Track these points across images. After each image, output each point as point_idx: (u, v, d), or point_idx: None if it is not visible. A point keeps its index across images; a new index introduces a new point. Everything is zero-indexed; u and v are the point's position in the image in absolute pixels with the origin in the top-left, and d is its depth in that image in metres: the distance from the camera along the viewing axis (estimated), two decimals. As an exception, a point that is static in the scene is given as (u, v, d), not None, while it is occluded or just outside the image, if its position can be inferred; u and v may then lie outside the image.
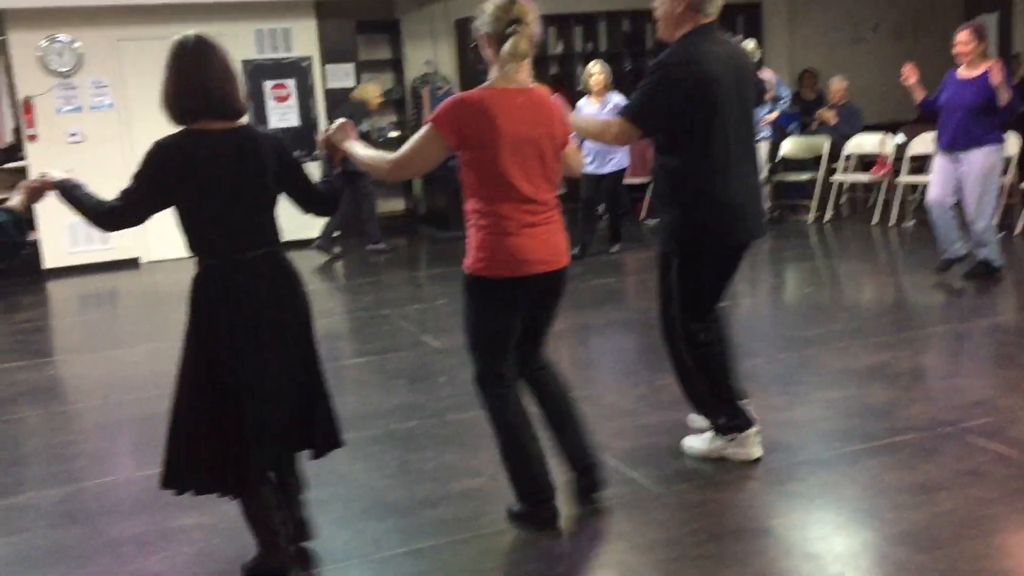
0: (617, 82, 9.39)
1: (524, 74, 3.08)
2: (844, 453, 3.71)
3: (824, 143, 9.54)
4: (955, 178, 6.38)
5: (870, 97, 11.19)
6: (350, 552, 3.15)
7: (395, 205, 11.36)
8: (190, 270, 2.88)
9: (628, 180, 9.74)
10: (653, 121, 3.48)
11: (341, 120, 3.25)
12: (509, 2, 3.01)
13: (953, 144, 6.31)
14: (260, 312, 2.84)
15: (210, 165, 2.79)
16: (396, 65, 11.10)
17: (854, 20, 12.82)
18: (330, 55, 10.18)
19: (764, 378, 4.60)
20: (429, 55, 11.21)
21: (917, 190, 9.21)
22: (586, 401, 3.36)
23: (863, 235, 8.77)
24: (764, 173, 8.77)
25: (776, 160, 9.71)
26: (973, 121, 6.18)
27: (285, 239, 2.99)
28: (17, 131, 9.28)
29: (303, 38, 9.99)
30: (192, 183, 2.78)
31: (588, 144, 7.29)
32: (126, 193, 2.82)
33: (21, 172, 9.26)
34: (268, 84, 9.86)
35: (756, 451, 3.66)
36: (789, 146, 9.73)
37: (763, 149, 8.85)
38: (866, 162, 9.91)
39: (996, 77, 6.00)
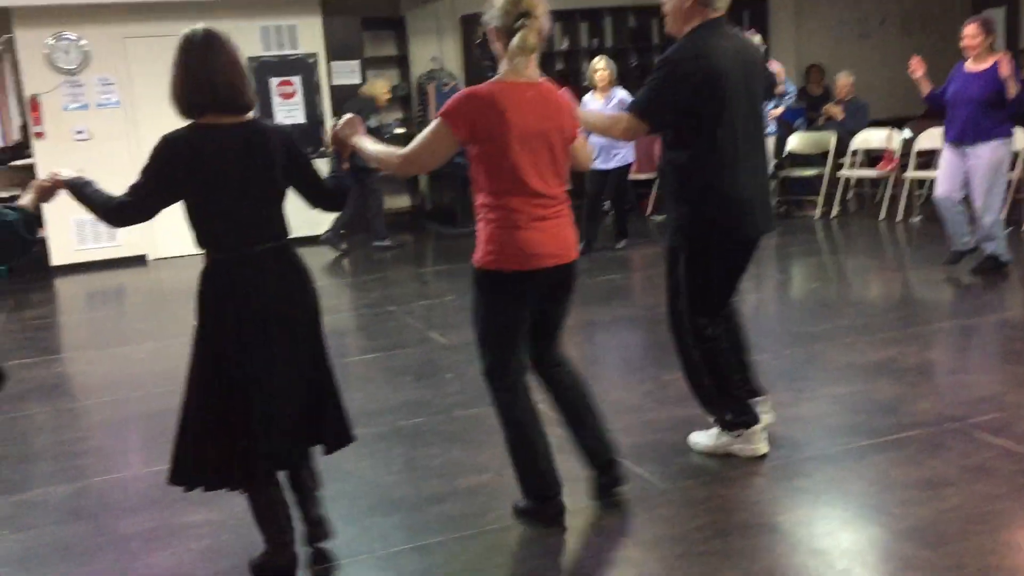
0: (623, 78, 9.38)
1: (533, 68, 3.08)
2: (851, 449, 3.71)
3: (831, 138, 9.52)
4: (963, 172, 6.37)
5: (877, 92, 11.17)
6: (357, 548, 3.15)
7: (401, 201, 11.37)
8: (197, 267, 2.89)
9: (634, 176, 9.74)
10: (661, 116, 3.48)
11: (348, 115, 3.24)
12: None
13: (961, 138, 6.30)
14: (268, 306, 2.83)
15: (218, 159, 2.78)
16: (402, 62, 11.10)
17: (861, 14, 12.78)
18: (336, 52, 10.18)
19: (770, 374, 4.59)
20: (435, 52, 11.21)
21: (924, 185, 9.20)
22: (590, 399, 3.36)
23: (870, 231, 8.75)
24: (770, 169, 8.75)
25: (783, 156, 9.69)
26: (981, 115, 6.17)
27: (294, 235, 2.99)
28: (24, 129, 9.30)
29: (309, 35, 10.00)
30: (200, 177, 2.78)
31: (593, 139, 7.28)
32: (134, 188, 2.82)
33: (28, 170, 9.29)
34: (274, 81, 9.87)
35: (762, 447, 3.66)
36: (795, 142, 9.72)
37: (769, 145, 8.84)
38: (873, 157, 9.88)
39: (1005, 69, 5.99)
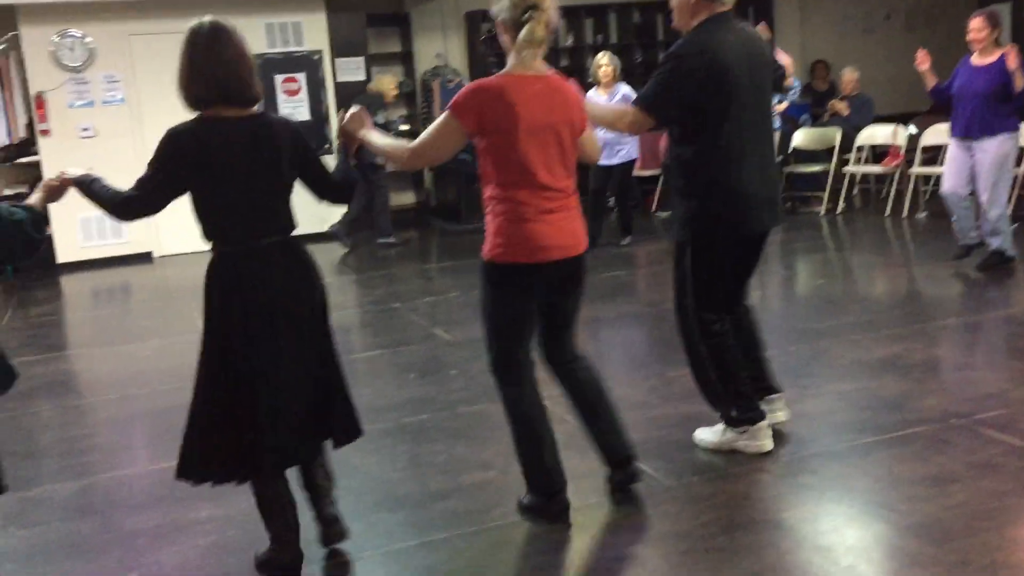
0: (628, 74, 9.37)
1: (541, 61, 3.08)
2: (856, 445, 3.71)
3: (836, 134, 9.50)
4: (969, 168, 6.36)
5: (882, 88, 11.15)
6: (362, 544, 3.16)
7: (406, 198, 11.37)
8: (203, 264, 2.89)
9: (639, 172, 9.74)
10: (667, 111, 3.47)
11: (355, 108, 3.23)
12: None
13: (968, 132, 6.29)
14: (275, 300, 2.82)
15: (224, 152, 2.78)
16: (406, 58, 11.10)
17: (866, 10, 12.75)
18: (340, 49, 10.19)
19: (776, 370, 4.55)
20: (439, 48, 11.21)
21: (930, 181, 9.18)
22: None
23: (875, 226, 8.73)
24: (776, 165, 8.71)
25: (788, 152, 9.68)
26: (987, 108, 6.17)
27: (302, 232, 2.98)
28: (30, 126, 9.32)
29: (313, 32, 10.00)
30: (206, 170, 2.78)
31: (597, 134, 7.28)
32: (141, 182, 2.82)
33: (34, 167, 9.31)
34: (279, 78, 9.88)
35: (767, 443, 3.65)
36: (801, 137, 9.70)
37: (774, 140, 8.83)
38: (878, 153, 9.87)
39: (1013, 62, 5.98)
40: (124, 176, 3.17)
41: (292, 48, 9.95)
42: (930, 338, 5.14)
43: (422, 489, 3.58)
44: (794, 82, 9.47)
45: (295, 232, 2.97)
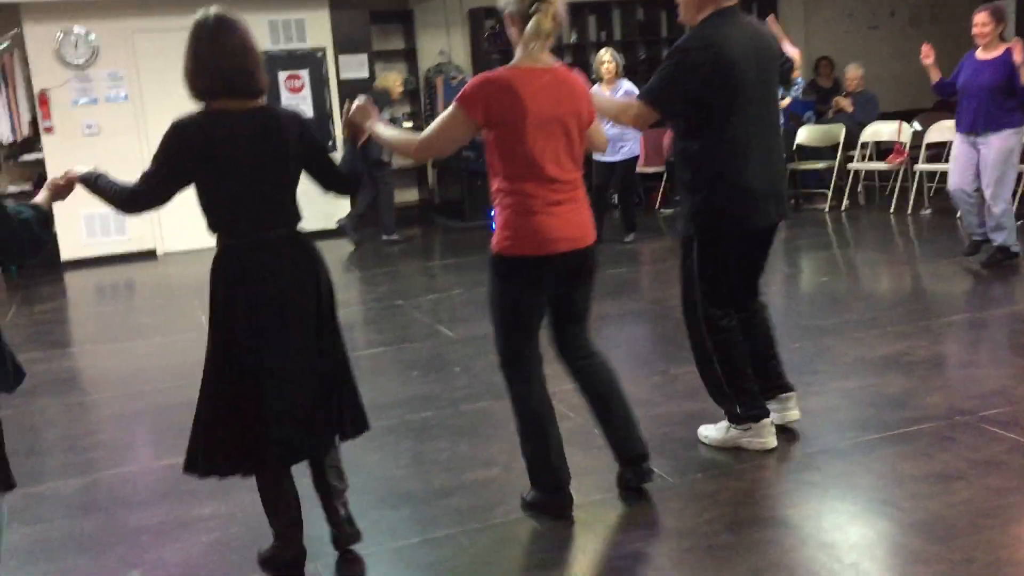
0: (632, 71, 9.37)
1: (548, 54, 3.07)
2: (860, 442, 3.70)
3: (840, 131, 9.49)
4: (975, 164, 6.36)
5: (886, 84, 11.13)
6: (366, 541, 3.15)
7: (410, 195, 11.37)
8: (207, 261, 2.89)
9: (643, 169, 9.73)
10: (671, 104, 3.46)
11: (361, 99, 3.20)
12: None
13: (973, 127, 6.29)
14: (281, 292, 2.81)
15: (229, 144, 2.76)
16: (410, 55, 11.10)
17: (870, 6, 12.73)
18: (343, 46, 10.19)
19: (779, 367, 4.59)
20: (443, 45, 11.21)
21: (934, 178, 9.16)
22: (600, 391, 3.35)
23: (880, 223, 8.72)
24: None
25: (792, 148, 9.66)
26: (992, 103, 6.16)
27: (310, 228, 2.97)
28: (34, 123, 9.33)
29: (316, 29, 10.00)
30: (211, 162, 2.76)
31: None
32: (146, 176, 2.81)
33: (38, 165, 9.32)
34: (282, 75, 9.88)
35: (771, 441, 3.65)
36: (805, 134, 9.68)
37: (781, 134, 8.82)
38: (883, 150, 9.85)
39: (1018, 56, 5.97)
40: (128, 174, 3.16)
41: (295, 45, 9.95)
42: (934, 335, 5.13)
43: (425, 486, 3.58)
44: (797, 79, 9.46)
45: (302, 227, 2.95)
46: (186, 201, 2.89)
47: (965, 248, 6.63)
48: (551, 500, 3.21)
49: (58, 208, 2.76)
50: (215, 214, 2.84)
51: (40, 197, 2.80)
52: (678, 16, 3.56)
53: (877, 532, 3.03)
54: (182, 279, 8.46)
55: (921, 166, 8.92)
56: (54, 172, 2.97)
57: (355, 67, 10.20)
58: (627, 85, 7.98)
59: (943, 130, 8.51)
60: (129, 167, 2.98)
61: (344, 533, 3.05)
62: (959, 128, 6.44)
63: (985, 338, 5.26)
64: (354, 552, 3.08)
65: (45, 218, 2.70)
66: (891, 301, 6.08)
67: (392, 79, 9.44)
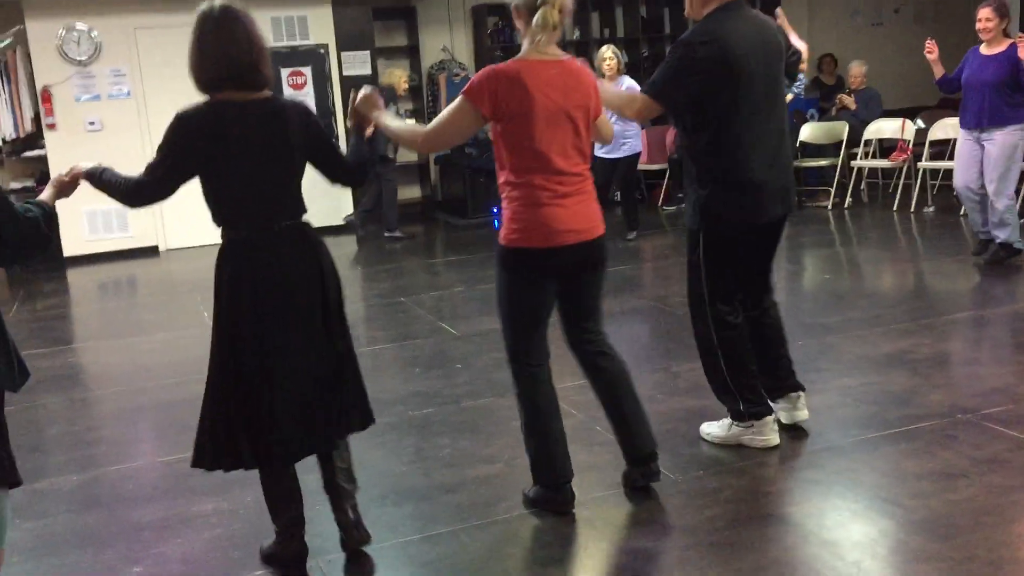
0: (635, 68, 9.36)
1: (555, 46, 3.07)
2: (862, 440, 3.70)
3: (843, 128, 9.48)
4: (979, 161, 6.35)
5: (890, 82, 11.11)
6: (367, 538, 3.15)
7: (412, 192, 11.37)
8: (210, 257, 2.88)
9: (646, 167, 9.73)
10: (674, 98, 3.46)
11: (367, 89, 3.17)
12: None
13: (978, 123, 6.28)
14: (286, 284, 2.79)
15: (234, 134, 2.75)
16: (412, 52, 11.09)
17: (874, 3, 12.71)
18: (346, 42, 10.18)
19: (782, 365, 4.58)
20: (445, 42, 11.20)
21: (938, 175, 9.14)
22: (601, 388, 3.35)
23: (883, 221, 8.71)
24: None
25: (795, 145, 9.65)
26: (997, 98, 6.16)
27: (317, 225, 2.96)
28: (36, 120, 9.33)
29: (319, 25, 9.99)
30: (216, 153, 2.75)
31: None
32: (151, 167, 2.80)
33: (41, 161, 9.32)
34: (285, 72, 9.88)
35: (773, 438, 3.64)
36: (808, 131, 9.68)
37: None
38: (886, 147, 9.84)
39: (1023, 51, 5.96)
40: (130, 170, 3.15)
41: (298, 42, 9.94)
42: (937, 333, 5.12)
43: (427, 483, 3.58)
44: (800, 76, 9.45)
45: (312, 225, 2.93)
46: (188, 197, 2.89)
47: (974, 248, 6.60)
48: (553, 496, 3.21)
49: (61, 205, 2.75)
50: (220, 206, 2.82)
51: (45, 195, 2.79)
52: (684, 11, 3.55)
53: (879, 530, 3.03)
54: (184, 275, 8.46)
55: (924, 164, 8.90)
56: (56, 169, 2.97)
57: (358, 64, 10.20)
58: (628, 82, 7.98)
59: (946, 128, 8.50)
60: (131, 163, 2.96)
61: (352, 537, 3.03)
62: (963, 124, 6.43)
63: (988, 336, 5.26)
64: (362, 550, 3.07)
65: (51, 217, 2.70)
66: (894, 299, 6.07)
67: (398, 75, 9.44)
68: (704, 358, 3.69)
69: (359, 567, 3.03)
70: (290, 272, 2.81)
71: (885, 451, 3.58)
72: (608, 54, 8.02)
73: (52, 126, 9.20)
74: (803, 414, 3.80)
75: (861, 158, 9.51)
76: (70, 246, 9.32)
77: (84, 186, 2.89)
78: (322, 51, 10.01)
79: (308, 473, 3.05)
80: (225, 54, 2.74)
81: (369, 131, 3.16)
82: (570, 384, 3.39)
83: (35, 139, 9.40)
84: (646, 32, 11.73)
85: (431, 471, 3.70)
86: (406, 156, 10.44)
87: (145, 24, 9.33)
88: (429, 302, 6.75)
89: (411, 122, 10.46)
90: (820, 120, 9.98)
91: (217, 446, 2.83)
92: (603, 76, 8.01)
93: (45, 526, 3.46)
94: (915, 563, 2.79)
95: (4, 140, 9.44)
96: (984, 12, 6.25)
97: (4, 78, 9.31)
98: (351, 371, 2.98)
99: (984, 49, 6.30)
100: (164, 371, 5.38)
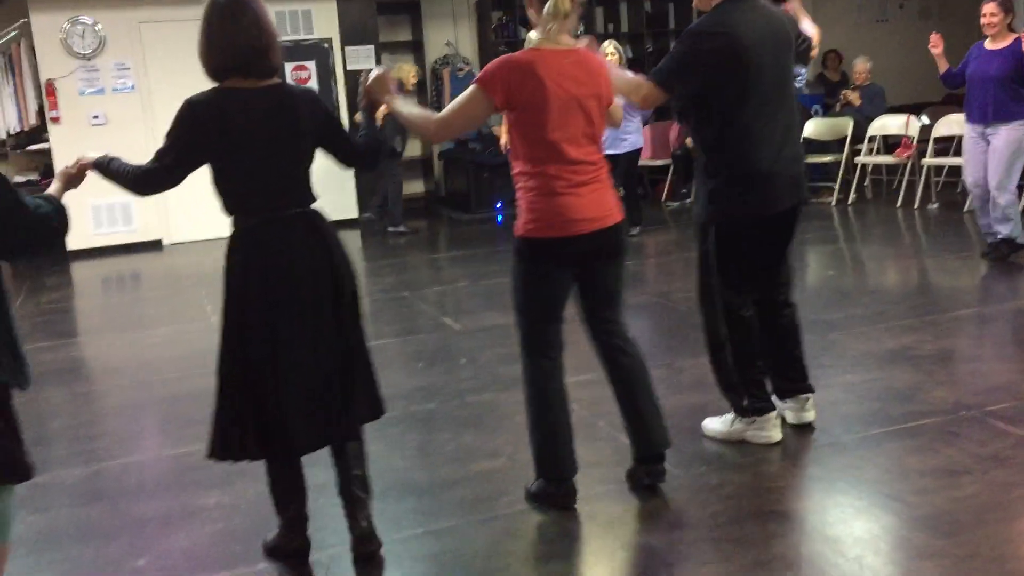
0: (640, 63, 9.33)
1: (567, 35, 3.06)
2: (865, 437, 3.69)
3: (848, 124, 9.46)
4: (986, 157, 6.33)
5: (894, 78, 11.09)
6: (370, 532, 3.15)
7: (416, 187, 11.36)
8: (213, 252, 2.88)
9: (649, 162, 9.71)
10: (681, 87, 3.45)
11: (379, 69, 3.13)
12: None
13: (983, 117, 6.27)
14: (295, 270, 2.77)
15: (243, 120, 2.74)
16: (416, 47, 11.08)
17: (879, -1, 12.68)
18: (350, 37, 10.18)
19: (785, 361, 4.57)
20: (449, 36, 11.19)
21: (942, 172, 9.12)
22: (604, 384, 3.34)
23: (887, 217, 8.69)
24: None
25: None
26: (1002, 92, 6.15)
27: (333, 220, 2.95)
28: (40, 113, 9.34)
29: (323, 20, 9.99)
30: (225, 139, 2.74)
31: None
32: (159, 154, 2.79)
33: (45, 154, 9.33)
34: (289, 66, 9.87)
35: (776, 434, 3.64)
36: (812, 127, 9.65)
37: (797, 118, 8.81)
38: (890, 144, 9.82)
39: None
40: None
41: (302, 36, 9.94)
42: (940, 330, 5.11)
43: (430, 477, 3.59)
44: (802, 70, 9.43)
45: (324, 214, 2.92)
46: (193, 191, 2.88)
47: (983, 249, 6.55)
48: (555, 491, 3.20)
49: (65, 198, 2.75)
50: (229, 193, 2.81)
51: (53, 188, 2.79)
52: (692, 2, 3.54)
53: (882, 526, 3.03)
54: (188, 270, 8.46)
55: (929, 160, 8.88)
56: (61, 162, 2.96)
57: (362, 58, 10.19)
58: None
59: (951, 124, 8.47)
60: (135, 157, 2.95)
61: (364, 548, 2.96)
62: (969, 119, 6.42)
63: (991, 333, 5.25)
64: (371, 554, 3.03)
65: (61, 210, 2.70)
66: (897, 295, 6.07)
67: (407, 70, 9.44)
68: (712, 352, 3.68)
69: (361, 562, 3.02)
70: (297, 264, 2.78)
71: (888, 447, 3.58)
72: (610, 49, 8.01)
73: (56, 120, 9.20)
74: (810, 415, 3.78)
75: (865, 154, 9.48)
76: (74, 240, 9.32)
77: (89, 180, 2.89)
78: (326, 45, 10.01)
79: (313, 467, 3.05)
80: (232, 43, 2.73)
81: (381, 112, 3.10)
82: (573, 380, 3.39)
83: (39, 133, 9.41)
84: (650, 27, 11.71)
85: (434, 466, 3.70)
86: (410, 151, 10.44)
87: (149, 18, 9.33)
88: (433, 297, 6.75)
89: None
90: (824, 116, 9.95)
91: (226, 436, 2.82)
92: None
93: (48, 519, 3.47)
94: (918, 560, 2.79)
95: (8, 133, 9.45)
96: (989, 7, 6.24)
97: (8, 71, 9.32)
98: (362, 364, 2.94)
99: (989, 44, 6.29)
100: (167, 365, 5.39)
